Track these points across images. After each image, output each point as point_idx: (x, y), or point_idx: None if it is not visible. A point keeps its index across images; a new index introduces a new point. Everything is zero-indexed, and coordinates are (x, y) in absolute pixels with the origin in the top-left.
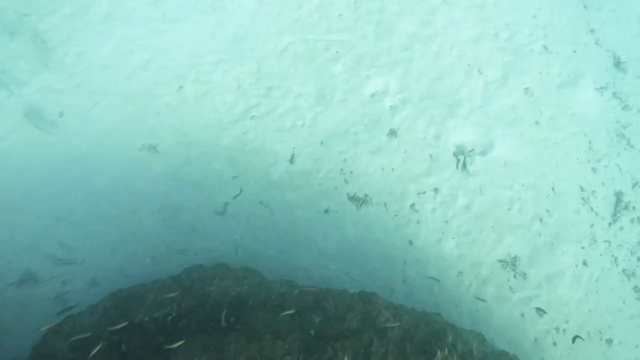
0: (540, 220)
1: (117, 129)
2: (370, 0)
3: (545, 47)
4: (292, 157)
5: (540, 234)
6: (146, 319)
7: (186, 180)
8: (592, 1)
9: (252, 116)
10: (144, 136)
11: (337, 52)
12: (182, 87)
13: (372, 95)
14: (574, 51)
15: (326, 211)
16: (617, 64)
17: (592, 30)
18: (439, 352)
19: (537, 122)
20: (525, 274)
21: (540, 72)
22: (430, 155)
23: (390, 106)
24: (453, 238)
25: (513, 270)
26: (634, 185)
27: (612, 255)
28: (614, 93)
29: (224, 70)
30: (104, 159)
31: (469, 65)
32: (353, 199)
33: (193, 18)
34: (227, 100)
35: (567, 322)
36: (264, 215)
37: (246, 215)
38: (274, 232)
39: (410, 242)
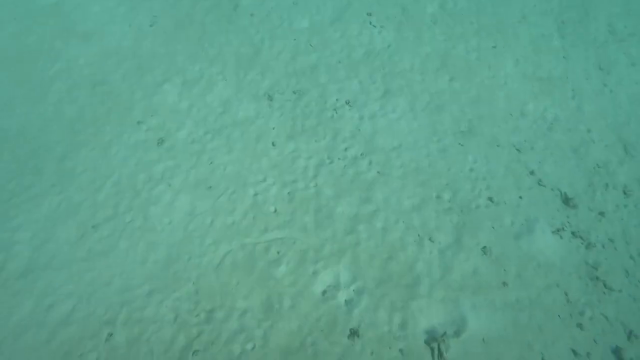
0: None
1: None
2: (304, 188)
3: (490, 199)
4: None
5: None
6: None
7: None
8: (524, 143)
9: (195, 351)
10: None
11: (278, 252)
12: (111, 334)
13: (324, 292)
14: (520, 197)
15: None
16: (566, 200)
17: (531, 172)
18: None
19: (504, 283)
20: None
21: (493, 227)
22: (401, 351)
23: (346, 301)
24: None
25: None
26: (629, 336)
27: None
28: (572, 233)
29: (158, 302)
30: None
31: (418, 235)
32: None
33: (121, 246)
34: (165, 338)
35: None
36: None
37: None
38: None
39: None
